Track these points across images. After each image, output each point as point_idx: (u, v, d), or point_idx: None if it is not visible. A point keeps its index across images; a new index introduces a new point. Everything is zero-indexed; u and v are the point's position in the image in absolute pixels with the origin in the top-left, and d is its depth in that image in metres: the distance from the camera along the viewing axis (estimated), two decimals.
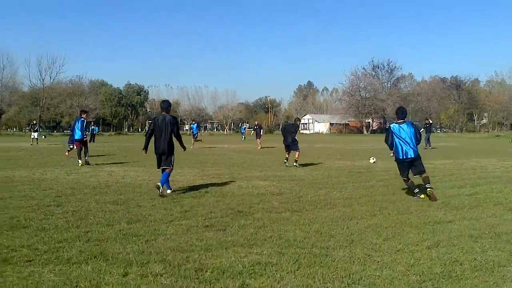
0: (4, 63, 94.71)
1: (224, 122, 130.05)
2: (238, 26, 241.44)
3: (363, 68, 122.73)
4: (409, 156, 10.73)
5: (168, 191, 11.41)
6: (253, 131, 40.58)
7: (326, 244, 6.60)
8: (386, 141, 11.22)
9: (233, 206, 9.60)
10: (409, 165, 10.93)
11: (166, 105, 12.08)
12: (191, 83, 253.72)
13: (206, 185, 12.80)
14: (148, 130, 12.06)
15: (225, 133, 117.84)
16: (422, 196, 10.58)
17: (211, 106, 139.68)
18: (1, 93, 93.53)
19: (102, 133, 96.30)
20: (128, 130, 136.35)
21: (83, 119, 20.38)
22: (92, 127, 50.57)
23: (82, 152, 19.58)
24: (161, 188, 10.93)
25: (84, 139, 20.05)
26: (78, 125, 20.03)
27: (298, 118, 23.71)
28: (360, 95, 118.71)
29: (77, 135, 19.90)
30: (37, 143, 40.78)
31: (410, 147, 10.74)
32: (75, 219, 8.20)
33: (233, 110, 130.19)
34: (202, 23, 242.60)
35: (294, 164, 18.87)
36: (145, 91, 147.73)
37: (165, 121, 11.42)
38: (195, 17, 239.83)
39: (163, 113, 11.70)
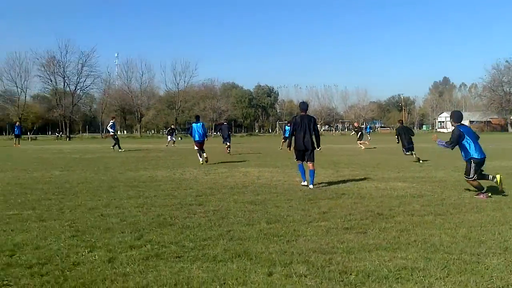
0: (143, 70, 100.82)
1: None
2: (366, 23, 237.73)
3: (506, 61, 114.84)
4: (484, 156, 11.04)
5: (311, 186, 12.49)
6: (353, 132, 39.60)
7: (477, 250, 6.22)
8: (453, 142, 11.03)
9: (372, 208, 9.39)
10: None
11: (305, 106, 13.47)
12: (320, 83, 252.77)
13: (342, 186, 12.70)
14: (290, 130, 13.13)
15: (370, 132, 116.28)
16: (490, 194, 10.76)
17: (342, 106, 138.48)
18: (141, 97, 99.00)
19: (234, 134, 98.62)
20: (259, 131, 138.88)
21: (203, 123, 22.26)
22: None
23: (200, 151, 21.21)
24: (310, 185, 12.45)
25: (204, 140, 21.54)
26: (199, 128, 21.39)
27: (400, 120, 26.21)
28: (503, 90, 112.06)
29: (198, 136, 21.21)
30: (173, 144, 42.32)
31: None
32: (216, 218, 8.42)
33: (365, 109, 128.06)
34: (330, 22, 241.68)
35: (419, 161, 20.29)
36: (275, 92, 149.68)
37: (306, 120, 12.80)
38: (323, 17, 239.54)
39: (302, 113, 12.94)
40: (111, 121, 34.86)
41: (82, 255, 6.04)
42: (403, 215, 8.67)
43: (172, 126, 47.65)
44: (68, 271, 5.38)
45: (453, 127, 11.40)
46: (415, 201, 10.30)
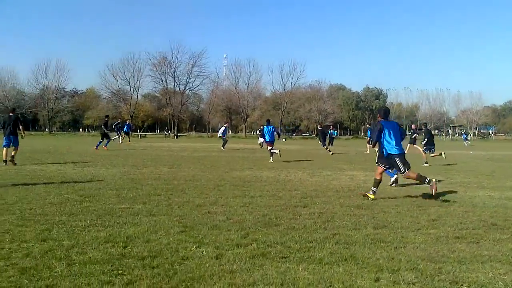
0: (250, 71, 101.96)
1: (468, 127, 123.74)
2: (482, 23, 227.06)
3: None
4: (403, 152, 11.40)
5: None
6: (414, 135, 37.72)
7: None
8: (374, 137, 11.58)
9: (485, 218, 8.94)
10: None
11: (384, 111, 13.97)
12: (432, 86, 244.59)
13: (453, 194, 12.29)
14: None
15: (469, 138, 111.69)
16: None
17: (453, 110, 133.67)
18: (247, 98, 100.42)
19: (339, 137, 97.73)
20: (365, 134, 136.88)
21: (273, 126, 25.57)
22: (331, 131, 51.66)
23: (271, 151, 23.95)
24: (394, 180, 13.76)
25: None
26: (270, 131, 24.61)
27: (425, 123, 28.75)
28: None
29: (268, 138, 24.45)
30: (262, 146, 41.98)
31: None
32: (322, 221, 8.34)
33: (478, 114, 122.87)
34: (442, 23, 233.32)
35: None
36: (383, 95, 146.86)
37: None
38: (435, 17, 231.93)
39: (381, 118, 12.81)
40: (224, 126, 36.28)
41: (191, 250, 6.20)
42: None
43: (262, 127, 47.38)
44: (177, 265, 5.55)
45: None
46: None
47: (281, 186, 13.27)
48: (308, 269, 5.48)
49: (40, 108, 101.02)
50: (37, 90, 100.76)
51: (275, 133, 24.99)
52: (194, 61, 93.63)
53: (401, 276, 5.29)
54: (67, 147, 31.90)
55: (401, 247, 6.62)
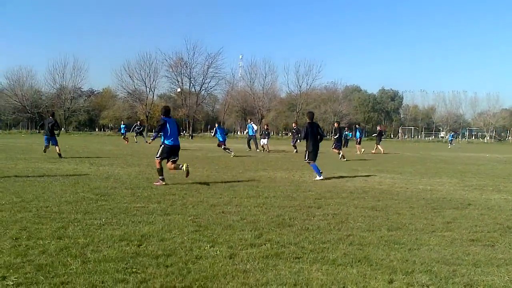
0: (266, 72, 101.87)
1: (485, 130, 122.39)
2: (496, 25, 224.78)
3: None
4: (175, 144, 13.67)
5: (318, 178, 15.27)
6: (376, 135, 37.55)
7: None
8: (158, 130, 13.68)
9: (500, 221, 8.89)
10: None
11: (311, 115, 16.03)
12: (448, 88, 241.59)
13: (468, 196, 12.14)
14: (302, 136, 16.29)
15: (485, 141, 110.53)
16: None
17: (470, 112, 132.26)
18: (262, 99, 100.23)
19: (354, 138, 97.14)
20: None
21: (223, 128, 29.02)
22: (346, 132, 51.73)
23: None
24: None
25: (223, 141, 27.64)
26: (222, 132, 27.82)
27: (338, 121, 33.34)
28: None
29: (221, 138, 27.50)
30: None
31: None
32: (336, 222, 8.34)
33: (495, 117, 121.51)
34: (460, 24, 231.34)
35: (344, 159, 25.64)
36: (399, 97, 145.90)
37: (314, 127, 15.86)
38: (451, 18, 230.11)
39: (309, 121, 15.84)
40: (251, 123, 37.00)
41: (204, 249, 6.24)
42: None
43: (266, 127, 46.89)
44: (191, 263, 5.59)
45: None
46: None
47: (295, 187, 13.26)
48: (321, 270, 5.49)
49: (57, 108, 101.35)
50: (54, 89, 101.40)
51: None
52: (210, 62, 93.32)
53: (415, 278, 5.29)
54: (67, 146, 32.18)
55: (415, 249, 6.61)
